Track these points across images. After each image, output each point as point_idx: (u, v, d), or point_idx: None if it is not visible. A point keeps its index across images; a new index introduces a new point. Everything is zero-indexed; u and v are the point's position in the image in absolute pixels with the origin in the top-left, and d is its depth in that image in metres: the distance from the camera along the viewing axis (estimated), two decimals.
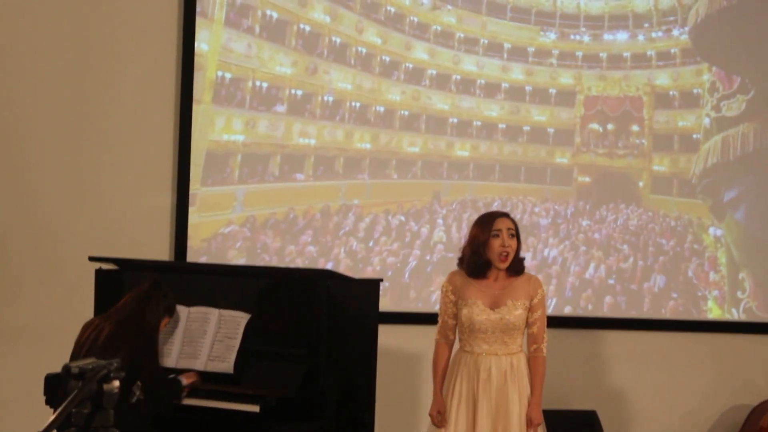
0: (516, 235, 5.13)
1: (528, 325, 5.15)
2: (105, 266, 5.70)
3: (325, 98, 6.93)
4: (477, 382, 5.01)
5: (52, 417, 2.47)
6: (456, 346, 5.22)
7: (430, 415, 5.10)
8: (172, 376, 5.11)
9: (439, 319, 5.21)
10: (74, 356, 5.04)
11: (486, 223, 5.14)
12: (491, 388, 5.00)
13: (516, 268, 5.14)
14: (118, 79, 6.83)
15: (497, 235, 5.07)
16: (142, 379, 4.81)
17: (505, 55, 7.13)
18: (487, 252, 5.07)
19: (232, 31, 6.85)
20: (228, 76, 6.83)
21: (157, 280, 5.17)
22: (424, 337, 5.85)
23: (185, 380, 5.10)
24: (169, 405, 5.04)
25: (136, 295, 5.12)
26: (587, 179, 7.15)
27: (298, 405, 5.00)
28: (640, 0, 7.17)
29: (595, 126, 7.16)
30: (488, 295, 5.07)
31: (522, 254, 5.19)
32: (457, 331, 5.19)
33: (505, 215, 5.19)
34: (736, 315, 7.09)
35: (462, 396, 5.04)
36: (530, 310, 5.12)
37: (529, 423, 5.05)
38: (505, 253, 5.06)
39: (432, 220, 6.93)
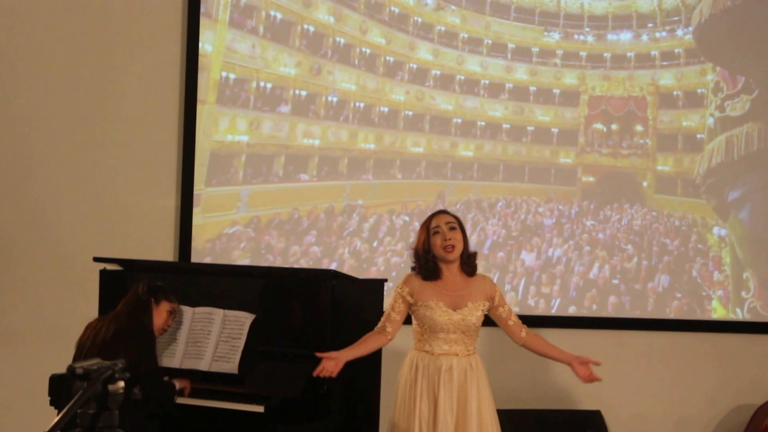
0: (459, 228, 5.12)
1: (503, 320, 5.18)
2: (109, 267, 5.70)
3: (329, 99, 6.93)
4: (438, 379, 5.01)
5: (57, 418, 2.47)
6: (407, 347, 5.20)
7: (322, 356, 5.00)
8: (165, 378, 5.12)
9: (385, 314, 5.12)
10: (75, 357, 5.06)
11: (425, 224, 5.15)
12: (453, 385, 5.00)
13: (469, 264, 5.14)
14: (123, 79, 6.84)
15: (437, 232, 5.07)
16: (140, 380, 4.83)
17: (509, 56, 7.13)
18: (432, 251, 5.08)
19: (236, 31, 6.86)
20: (232, 76, 6.84)
21: (147, 281, 5.19)
22: None
23: (178, 384, 5.11)
24: (161, 406, 5.04)
25: (131, 297, 5.14)
26: (591, 179, 7.15)
27: (302, 405, 5.00)
28: (643, 0, 7.16)
29: (599, 126, 7.16)
30: (448, 296, 5.07)
31: (472, 249, 5.19)
32: (413, 332, 5.16)
33: (443, 212, 5.21)
34: (740, 315, 7.09)
35: (424, 393, 5.03)
36: (495, 307, 5.14)
37: (586, 371, 5.23)
38: (450, 246, 5.05)
39: None
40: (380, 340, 5.06)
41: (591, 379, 5.25)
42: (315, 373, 4.85)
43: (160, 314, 5.17)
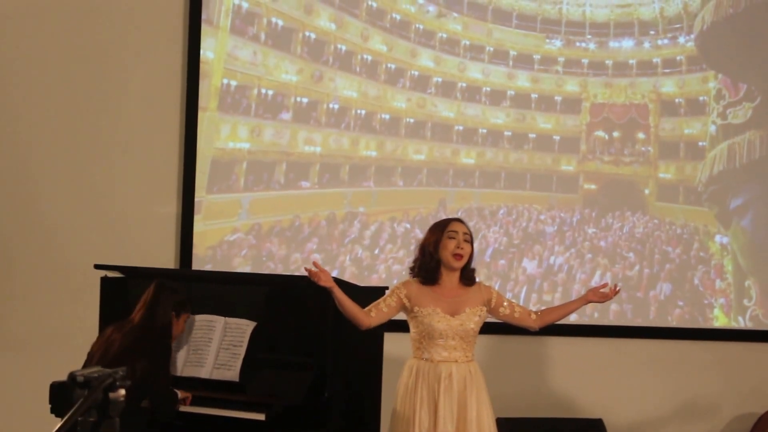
0: (471, 242, 5.12)
1: (509, 317, 5.18)
2: (110, 274, 5.69)
3: (331, 106, 6.93)
4: (438, 387, 4.99)
5: (58, 426, 2.46)
6: (406, 354, 5.19)
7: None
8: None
9: (376, 301, 5.08)
10: (86, 365, 5.04)
11: (441, 226, 5.15)
12: (452, 392, 4.99)
13: (469, 276, 5.14)
14: (124, 86, 6.83)
15: (452, 237, 5.07)
16: (151, 390, 4.82)
17: (511, 63, 7.12)
18: (439, 252, 5.06)
19: (237, 38, 6.85)
20: (233, 83, 6.83)
21: (161, 282, 5.17)
22: None
23: (180, 394, 5.10)
24: (164, 415, 5.02)
25: (144, 302, 5.12)
26: (593, 187, 7.14)
27: (304, 413, 4.99)
28: (645, 7, 7.16)
29: (600, 133, 7.15)
30: (445, 302, 5.06)
31: (473, 266, 5.19)
32: (411, 340, 5.15)
33: (462, 221, 5.20)
34: (742, 323, 7.07)
35: (423, 401, 5.01)
36: (496, 308, 5.14)
37: (604, 294, 5.22)
38: (459, 255, 5.05)
39: None
40: (361, 317, 5.00)
41: (613, 293, 5.24)
42: (306, 269, 4.87)
43: (178, 325, 5.18)
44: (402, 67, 7.03)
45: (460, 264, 5.07)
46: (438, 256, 5.08)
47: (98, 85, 6.83)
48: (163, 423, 5.09)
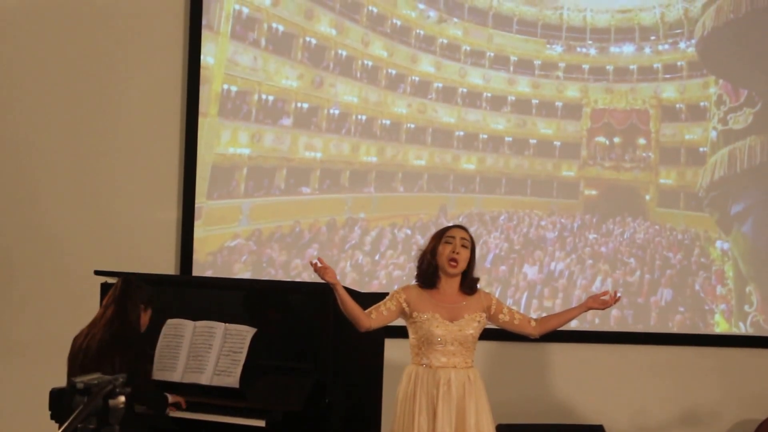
0: (471, 248, 5.10)
1: (508, 323, 5.15)
2: (110, 280, 5.68)
3: (331, 111, 6.92)
4: (437, 393, 4.98)
5: None
6: (406, 361, 5.18)
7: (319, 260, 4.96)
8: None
9: (377, 304, 5.07)
10: (70, 369, 5.04)
11: (440, 233, 5.15)
12: (451, 399, 4.98)
13: (470, 285, 5.12)
14: (124, 92, 6.83)
15: (449, 242, 5.06)
16: (134, 384, 4.80)
17: (512, 68, 7.12)
18: (436, 258, 5.06)
19: (238, 44, 6.85)
20: (234, 89, 6.83)
21: (128, 278, 5.16)
22: None
23: (171, 398, 5.08)
24: (154, 416, 5.01)
25: (113, 298, 5.09)
26: (594, 192, 7.13)
27: (304, 419, 4.98)
28: (646, 13, 7.16)
29: (601, 139, 7.15)
30: (444, 308, 5.05)
31: (477, 275, 5.17)
32: (410, 346, 5.13)
33: (461, 227, 5.19)
34: (743, 329, 7.07)
35: (422, 407, 5.00)
36: (495, 315, 5.12)
37: (605, 301, 5.20)
38: (454, 261, 5.04)
39: None
40: (362, 318, 4.97)
41: (612, 300, 5.22)
42: (311, 263, 4.85)
43: (145, 318, 5.16)
44: (402, 72, 7.03)
45: (455, 270, 5.05)
46: (435, 262, 5.07)
47: (99, 90, 6.83)
48: (162, 429, 5.09)
